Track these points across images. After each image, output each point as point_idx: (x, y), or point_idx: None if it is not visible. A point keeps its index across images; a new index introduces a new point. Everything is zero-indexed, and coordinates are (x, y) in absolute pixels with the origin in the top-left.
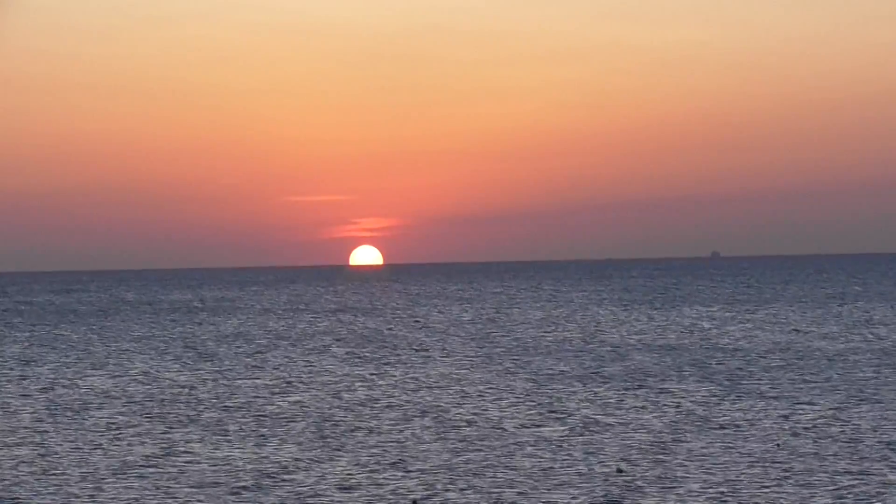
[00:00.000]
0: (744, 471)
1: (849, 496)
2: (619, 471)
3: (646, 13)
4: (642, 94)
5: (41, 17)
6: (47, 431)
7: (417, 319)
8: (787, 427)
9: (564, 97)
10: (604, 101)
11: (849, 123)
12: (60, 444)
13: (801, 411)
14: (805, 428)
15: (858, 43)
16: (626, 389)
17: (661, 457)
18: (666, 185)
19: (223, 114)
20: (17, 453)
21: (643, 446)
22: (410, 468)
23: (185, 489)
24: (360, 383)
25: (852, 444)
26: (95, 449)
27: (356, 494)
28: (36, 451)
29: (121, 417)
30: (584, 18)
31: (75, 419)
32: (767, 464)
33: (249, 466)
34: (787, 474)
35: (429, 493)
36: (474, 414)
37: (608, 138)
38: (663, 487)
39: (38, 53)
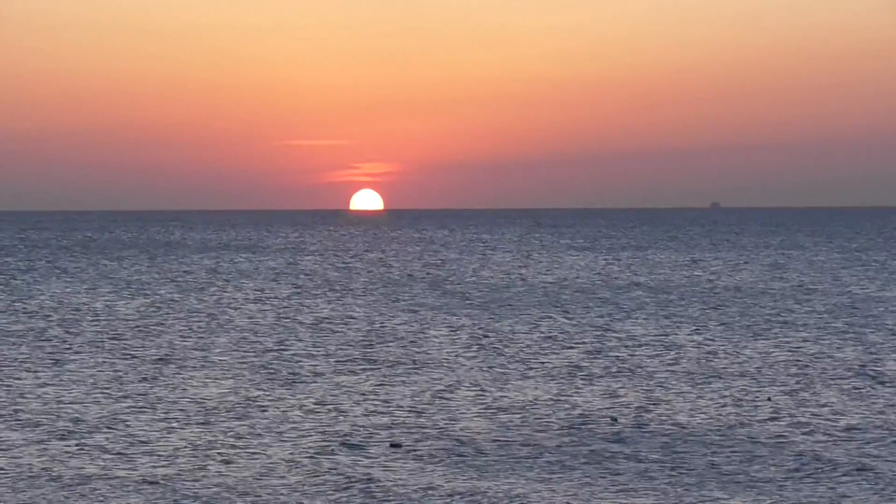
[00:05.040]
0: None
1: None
2: (613, 420)
3: None
4: (642, 43)
5: None
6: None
7: (385, 262)
8: (770, 375)
9: (566, 44)
10: (604, 49)
11: (850, 76)
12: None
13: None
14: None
15: None
16: (583, 330)
17: (647, 404)
18: (667, 135)
19: (221, 55)
20: None
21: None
22: (377, 409)
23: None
24: (308, 324)
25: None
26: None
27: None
28: None
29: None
30: None
31: (23, 338)
32: (749, 402)
33: (211, 403)
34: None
35: (404, 435)
36: (425, 353)
37: (609, 87)
38: (658, 435)
39: None
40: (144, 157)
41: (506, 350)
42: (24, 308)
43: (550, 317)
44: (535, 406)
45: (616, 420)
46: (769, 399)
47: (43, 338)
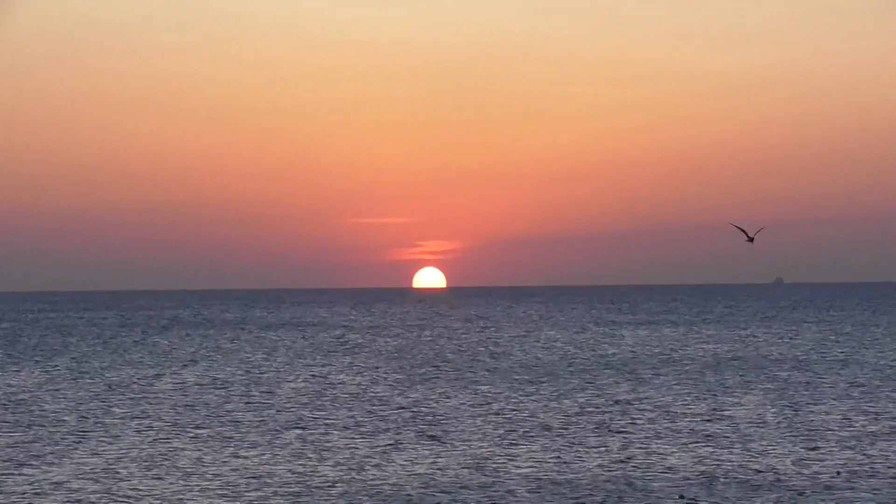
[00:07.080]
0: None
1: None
2: (681, 497)
3: (711, 37)
4: (707, 118)
5: (108, 36)
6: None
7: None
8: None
9: (629, 120)
10: (668, 125)
11: None
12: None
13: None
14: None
15: None
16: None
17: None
18: (730, 210)
19: (287, 135)
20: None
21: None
22: (428, 486)
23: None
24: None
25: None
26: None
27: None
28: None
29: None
30: (650, 41)
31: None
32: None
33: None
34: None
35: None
36: (482, 430)
37: (672, 162)
38: None
39: (109, 72)
40: (206, 235)
41: (562, 426)
42: (87, 382)
43: (604, 392)
44: (598, 483)
45: (683, 497)
46: (838, 473)
47: (95, 411)
